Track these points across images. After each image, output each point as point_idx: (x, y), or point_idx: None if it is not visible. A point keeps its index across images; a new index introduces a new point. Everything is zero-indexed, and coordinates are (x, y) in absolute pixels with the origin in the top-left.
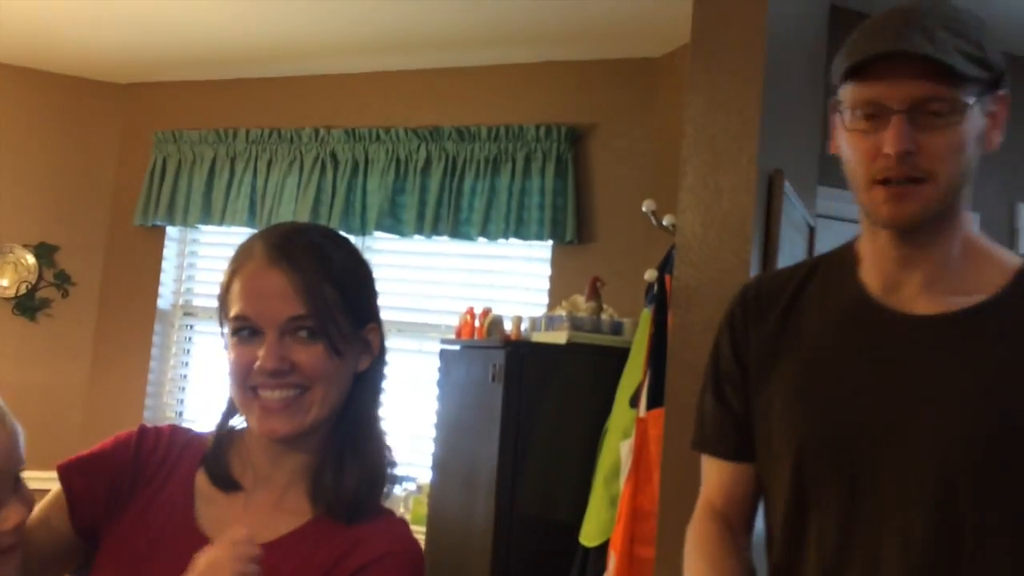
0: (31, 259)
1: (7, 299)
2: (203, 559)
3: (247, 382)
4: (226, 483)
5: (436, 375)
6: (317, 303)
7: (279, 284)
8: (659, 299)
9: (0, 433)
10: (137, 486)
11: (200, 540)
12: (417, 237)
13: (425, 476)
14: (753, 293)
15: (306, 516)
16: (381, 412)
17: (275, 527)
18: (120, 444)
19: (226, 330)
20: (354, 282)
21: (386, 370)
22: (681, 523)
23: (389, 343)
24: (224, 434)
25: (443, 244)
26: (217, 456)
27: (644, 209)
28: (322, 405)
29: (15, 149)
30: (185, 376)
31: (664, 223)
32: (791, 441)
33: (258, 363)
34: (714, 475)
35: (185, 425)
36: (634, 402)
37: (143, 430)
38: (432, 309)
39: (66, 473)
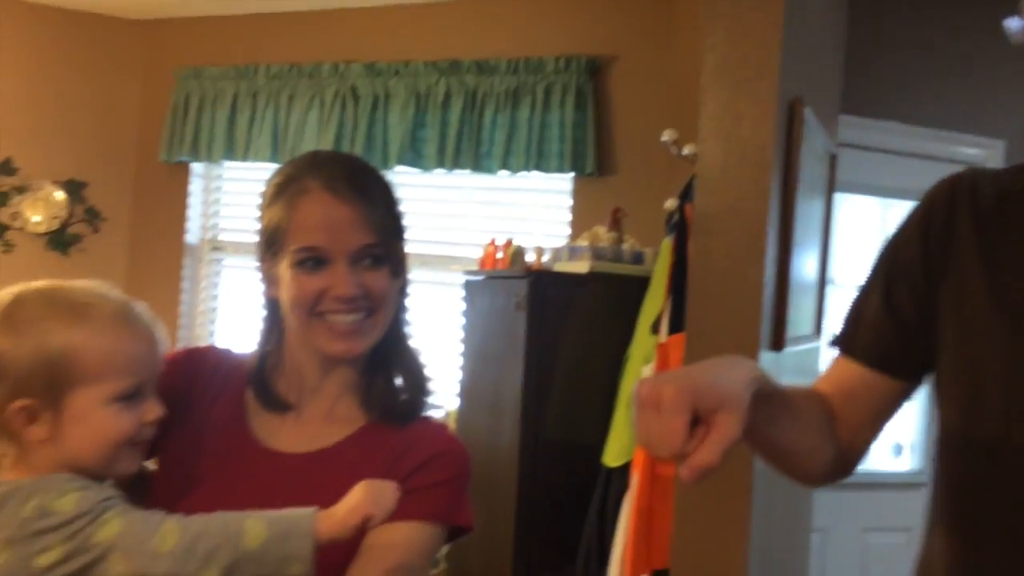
0: (61, 195)
1: (40, 235)
2: (362, 485)
3: (316, 308)
4: (274, 404)
5: (461, 306)
6: (384, 231)
7: (348, 215)
8: (679, 228)
9: (150, 340)
10: (189, 404)
11: (257, 449)
12: (438, 171)
13: (451, 403)
14: (968, 186)
15: (358, 424)
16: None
17: (328, 435)
18: (173, 360)
19: (280, 263)
20: (397, 204)
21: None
22: None
23: (413, 276)
24: (266, 356)
25: (465, 177)
26: (262, 379)
27: (664, 139)
28: (383, 325)
29: (41, 88)
30: (215, 309)
31: (684, 152)
32: (1012, 385)
33: (334, 291)
34: (842, 376)
35: (229, 349)
36: (655, 328)
37: (189, 351)
38: (455, 242)
39: None
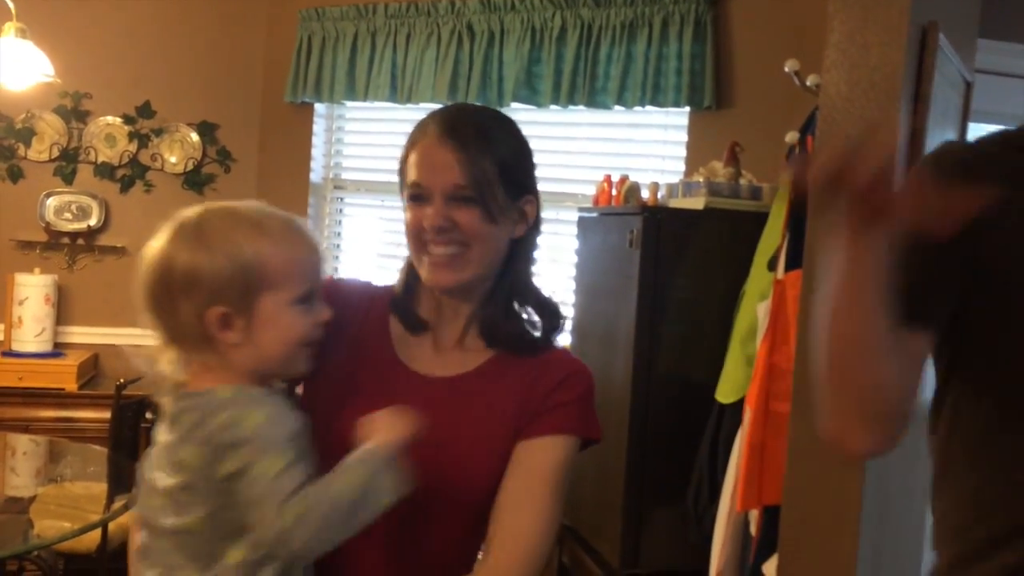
0: (195, 137)
1: (177, 175)
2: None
3: (419, 238)
4: (414, 325)
5: (574, 243)
6: (475, 175)
7: (447, 158)
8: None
9: (318, 248)
10: (339, 330)
11: (403, 370)
12: (553, 107)
13: (564, 339)
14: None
15: (490, 353)
16: (536, 274)
17: (465, 362)
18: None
19: (404, 196)
20: (512, 159)
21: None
22: (815, 380)
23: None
24: (408, 285)
25: (579, 113)
26: (405, 304)
27: (787, 69)
28: (479, 263)
29: (174, 33)
30: (339, 246)
31: (808, 83)
32: None
33: (426, 221)
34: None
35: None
36: (772, 265)
37: (335, 280)
38: (569, 179)
39: None
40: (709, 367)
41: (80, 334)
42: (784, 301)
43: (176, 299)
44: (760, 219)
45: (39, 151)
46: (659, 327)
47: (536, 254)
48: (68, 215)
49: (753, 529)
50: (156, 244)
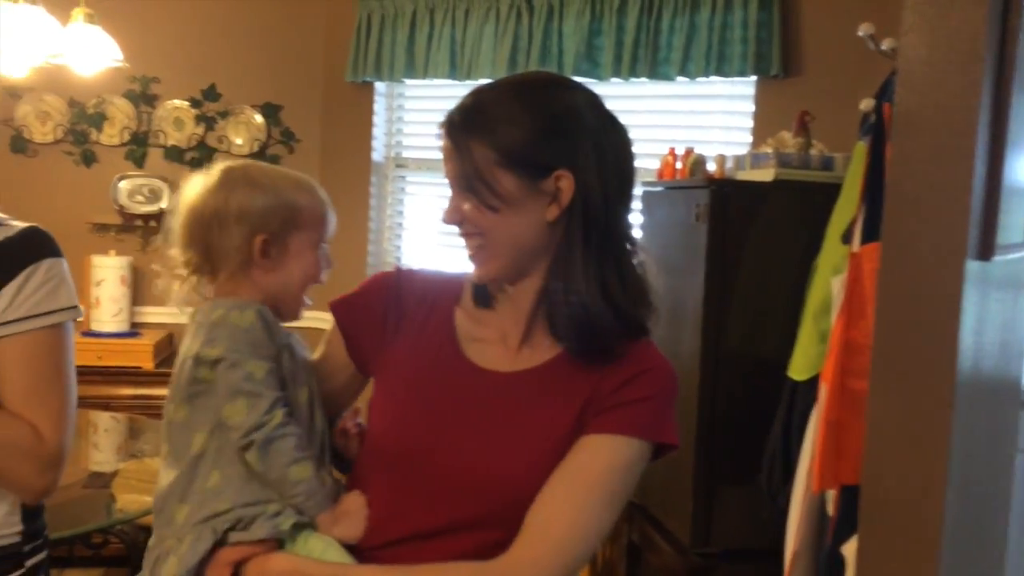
0: (259, 119)
1: (243, 156)
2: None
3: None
4: (482, 299)
5: (638, 218)
6: (465, 163)
7: (447, 147)
8: (876, 129)
9: (321, 202)
10: (402, 320)
11: (469, 366)
12: (615, 80)
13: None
14: None
15: (558, 349)
16: (606, 258)
17: (532, 358)
18: (381, 282)
19: None
20: (525, 137)
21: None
22: (897, 355)
23: None
24: None
25: (642, 86)
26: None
27: (860, 34)
28: (500, 255)
29: (238, 15)
30: (401, 224)
31: (883, 47)
32: None
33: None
34: None
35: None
36: (847, 238)
37: (401, 270)
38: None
39: (338, 309)
40: (780, 343)
41: (154, 314)
42: (860, 274)
43: (228, 227)
44: (832, 190)
45: (110, 135)
46: (727, 303)
47: (593, 233)
48: (140, 198)
49: (830, 509)
50: (199, 188)
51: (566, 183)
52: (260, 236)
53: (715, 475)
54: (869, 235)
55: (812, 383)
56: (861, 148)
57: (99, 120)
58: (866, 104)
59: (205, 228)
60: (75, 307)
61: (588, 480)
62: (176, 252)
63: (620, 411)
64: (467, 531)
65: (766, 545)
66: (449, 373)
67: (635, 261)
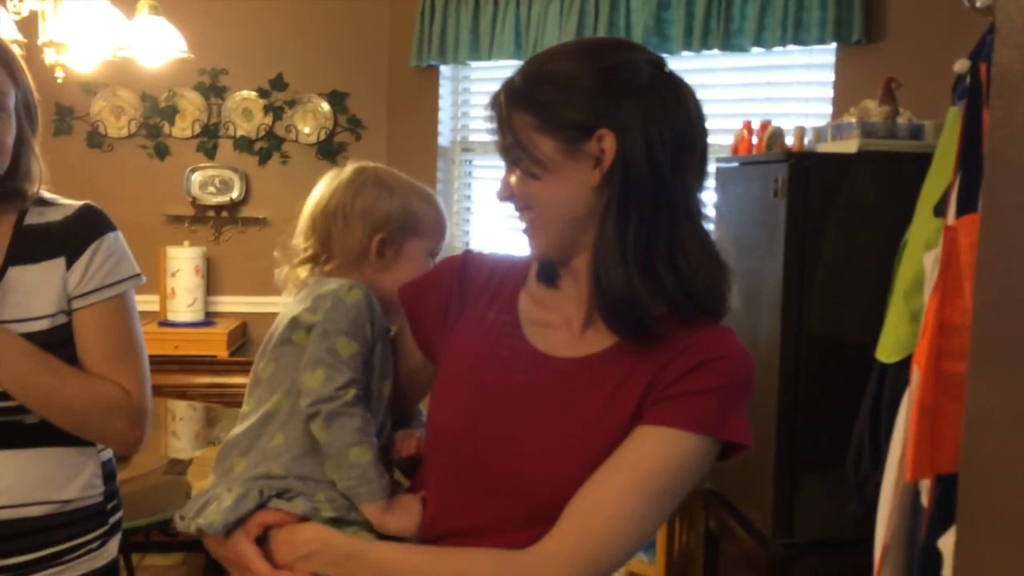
0: (326, 107)
1: (311, 145)
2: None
3: None
4: (547, 277)
5: (712, 197)
6: (506, 134)
7: (496, 116)
8: (972, 92)
9: (447, 223)
10: (466, 304)
11: (532, 352)
12: (686, 54)
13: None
14: None
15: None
16: (657, 229)
17: (597, 342)
18: (447, 266)
19: None
20: (559, 94)
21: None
22: (998, 335)
23: None
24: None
25: (714, 59)
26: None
27: None
28: (546, 227)
29: (299, 5)
30: (468, 209)
31: (978, 4)
32: None
33: None
34: None
35: (505, 252)
36: (940, 210)
37: (467, 253)
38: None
39: (405, 294)
40: (866, 324)
41: (228, 303)
42: (956, 249)
43: (351, 222)
44: (922, 160)
45: (182, 128)
46: (809, 282)
47: (636, 198)
48: (212, 189)
49: (925, 500)
50: (330, 183)
51: (608, 143)
52: (379, 235)
53: (797, 463)
54: (965, 206)
55: (902, 366)
56: (955, 113)
57: (171, 113)
58: (960, 65)
59: (329, 220)
60: (138, 275)
61: (635, 474)
62: (298, 241)
63: (679, 402)
64: (515, 528)
65: (853, 537)
66: (510, 361)
67: (700, 237)
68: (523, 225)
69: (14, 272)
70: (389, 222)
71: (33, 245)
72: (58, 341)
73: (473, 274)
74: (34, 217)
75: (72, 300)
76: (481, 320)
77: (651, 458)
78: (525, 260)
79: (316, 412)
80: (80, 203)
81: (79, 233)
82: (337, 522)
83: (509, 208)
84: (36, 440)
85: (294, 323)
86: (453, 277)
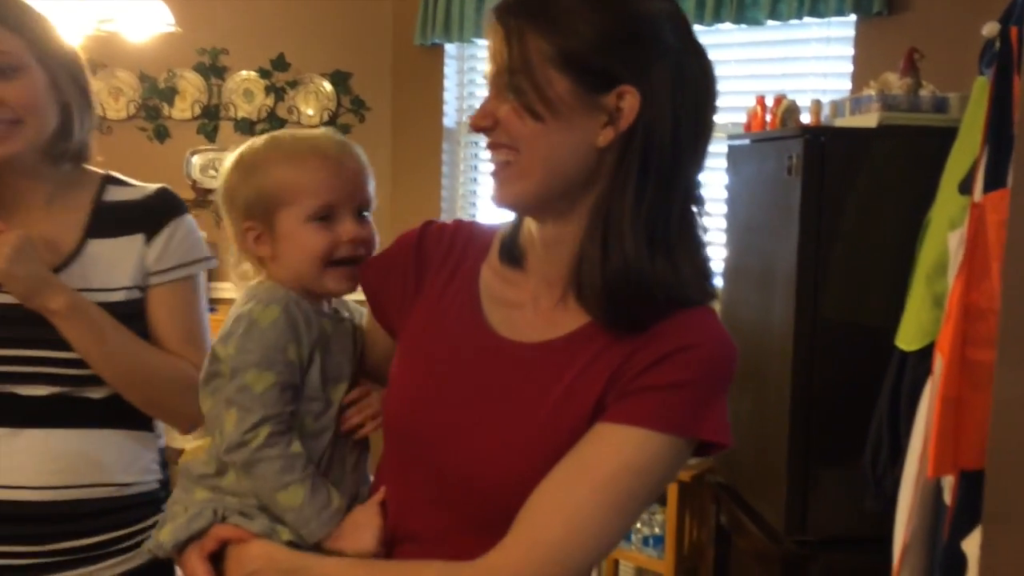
0: (328, 87)
1: (313, 127)
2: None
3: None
4: (511, 257)
5: (723, 178)
6: (514, 55)
7: (495, 39)
8: (1002, 58)
9: (340, 167)
10: (424, 279)
11: (490, 336)
12: (697, 27)
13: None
14: None
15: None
16: (663, 208)
17: (563, 324)
18: (405, 240)
19: None
20: (596, 36)
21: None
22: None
23: None
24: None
25: (727, 33)
26: (512, 232)
27: None
28: (529, 174)
29: None
30: (475, 192)
31: None
32: None
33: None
34: None
35: (474, 220)
36: (965, 187)
37: (427, 225)
38: (718, 106)
39: (365, 275)
40: (885, 309)
41: (231, 290)
42: (983, 227)
43: (225, 219)
44: (946, 135)
45: (182, 109)
46: (824, 265)
47: (648, 171)
48: (213, 172)
49: (947, 498)
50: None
51: (630, 102)
52: (246, 226)
53: (811, 456)
54: (994, 182)
55: (924, 354)
56: (983, 83)
57: (170, 94)
58: (990, 29)
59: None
60: (212, 257)
61: (596, 478)
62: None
63: (646, 397)
64: (469, 534)
65: (870, 535)
66: (467, 346)
67: (701, 222)
68: (493, 160)
69: (93, 245)
70: (250, 209)
71: (112, 220)
72: (131, 315)
73: (431, 247)
74: (112, 195)
75: (150, 276)
76: (440, 298)
77: (613, 461)
78: (488, 229)
79: (232, 462)
80: (157, 185)
81: (158, 211)
82: (296, 545)
83: None
84: (100, 420)
85: (213, 355)
86: (410, 252)
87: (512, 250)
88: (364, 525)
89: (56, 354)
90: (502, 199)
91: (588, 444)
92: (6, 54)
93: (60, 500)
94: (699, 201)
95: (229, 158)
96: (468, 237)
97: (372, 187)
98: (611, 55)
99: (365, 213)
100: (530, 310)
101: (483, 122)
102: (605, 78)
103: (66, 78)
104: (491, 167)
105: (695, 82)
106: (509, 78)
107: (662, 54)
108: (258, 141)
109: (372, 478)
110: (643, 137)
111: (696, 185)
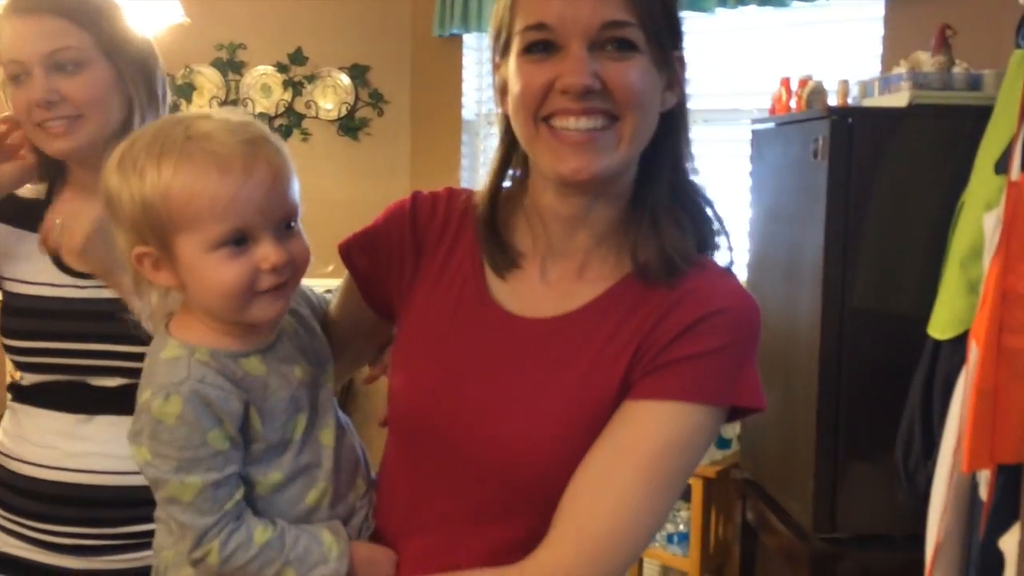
0: (347, 80)
1: (332, 121)
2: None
3: (541, 111)
4: (505, 263)
5: (747, 165)
6: (643, 5)
7: None
8: None
9: (254, 180)
10: (423, 255)
11: (497, 313)
12: (720, 11)
13: (740, 274)
14: None
15: (613, 279)
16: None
17: (577, 295)
18: (395, 214)
19: (509, 60)
20: None
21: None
22: None
23: (697, 134)
24: (495, 198)
25: (752, 16)
26: (492, 224)
27: None
28: (633, 140)
29: None
30: None
31: None
32: None
33: (561, 80)
34: None
35: (463, 187)
36: (1002, 166)
37: (417, 196)
38: (741, 92)
39: (347, 252)
40: (917, 296)
41: None
42: (1022, 207)
43: (117, 233)
44: (981, 113)
45: (199, 105)
46: (853, 251)
47: (690, 132)
48: None
49: (984, 493)
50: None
51: (680, 65)
52: (138, 250)
53: (840, 451)
54: None
55: (959, 342)
56: (1020, 56)
57: (188, 91)
58: None
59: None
60: None
61: (638, 460)
62: None
63: (679, 369)
64: (492, 521)
65: (902, 532)
66: (472, 325)
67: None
68: (582, 128)
69: None
70: (139, 229)
71: None
72: None
73: (426, 220)
74: None
75: None
76: (441, 274)
77: (654, 439)
78: (479, 195)
79: (205, 569)
80: None
81: None
82: None
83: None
84: None
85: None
86: (405, 226)
87: (505, 252)
88: (377, 560)
89: (126, 348)
90: (597, 171)
91: (624, 425)
92: (71, 49)
93: (129, 485)
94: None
95: (112, 155)
96: (465, 206)
97: (295, 191)
98: (677, 22)
99: (292, 224)
100: (538, 282)
101: (591, 81)
102: (678, 37)
103: (133, 73)
104: (572, 134)
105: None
106: (629, 32)
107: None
108: (144, 135)
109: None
110: (685, 101)
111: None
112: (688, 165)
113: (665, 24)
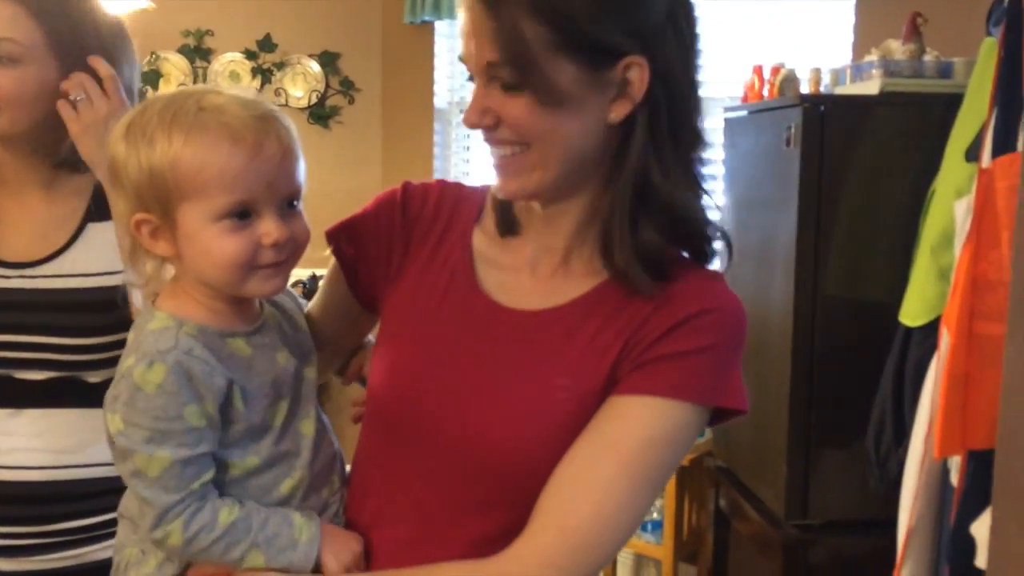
0: (316, 68)
1: (302, 109)
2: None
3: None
4: (505, 225)
5: (719, 153)
6: (511, 44)
7: (472, 22)
8: (1012, 16)
9: (264, 154)
10: (411, 244)
11: (485, 303)
12: None
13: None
14: None
15: (600, 277)
16: (681, 163)
17: (565, 291)
18: (385, 203)
19: None
20: (585, 8)
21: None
22: None
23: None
24: None
25: (724, 3)
26: (504, 202)
27: None
28: (547, 166)
29: None
30: (467, 174)
31: None
32: None
33: (465, 115)
34: None
35: (457, 181)
36: (972, 154)
37: (408, 187)
38: (714, 80)
39: (335, 240)
40: (889, 284)
41: None
42: (992, 194)
43: (117, 200)
44: (951, 101)
45: None
46: (825, 238)
47: (670, 134)
48: None
49: (955, 480)
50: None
51: (637, 73)
52: (138, 217)
53: (812, 437)
54: (1003, 146)
55: (930, 329)
56: (991, 44)
57: (154, 78)
58: None
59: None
60: None
61: (622, 454)
62: None
63: (664, 365)
64: (469, 514)
65: (873, 518)
66: (459, 313)
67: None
68: (496, 155)
69: (93, 228)
70: (142, 196)
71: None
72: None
73: (416, 210)
74: None
75: None
76: (428, 265)
77: (637, 435)
78: (477, 190)
79: (167, 550)
80: None
81: None
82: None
83: None
84: (98, 401)
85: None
86: (395, 215)
87: (507, 216)
88: (343, 536)
89: (54, 340)
90: (514, 192)
91: (608, 420)
92: (11, 42)
93: (59, 480)
94: (705, 146)
95: (119, 124)
96: (456, 199)
97: (302, 171)
98: (610, 26)
99: (295, 203)
100: (527, 276)
101: (484, 120)
102: (609, 53)
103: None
104: (491, 158)
105: (690, 31)
106: (511, 72)
107: (657, 13)
108: (155, 104)
109: (349, 467)
110: (665, 100)
111: (703, 132)
112: (666, 167)
113: (564, 50)
